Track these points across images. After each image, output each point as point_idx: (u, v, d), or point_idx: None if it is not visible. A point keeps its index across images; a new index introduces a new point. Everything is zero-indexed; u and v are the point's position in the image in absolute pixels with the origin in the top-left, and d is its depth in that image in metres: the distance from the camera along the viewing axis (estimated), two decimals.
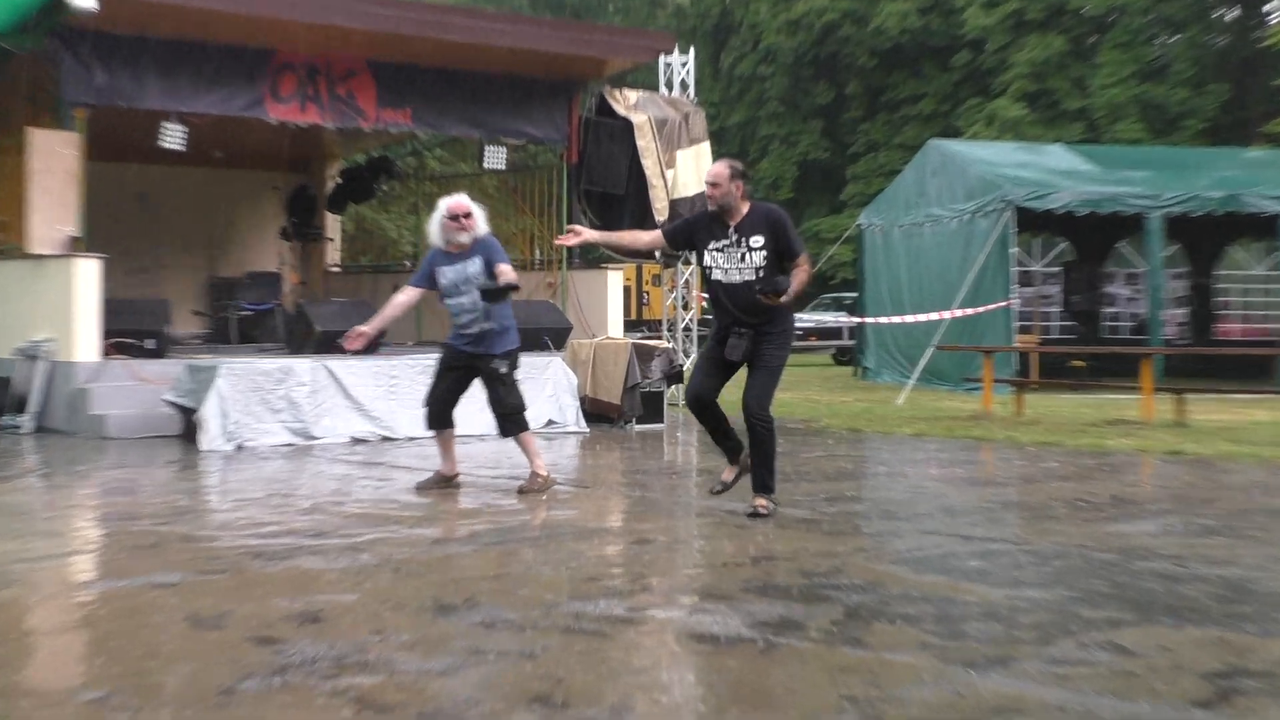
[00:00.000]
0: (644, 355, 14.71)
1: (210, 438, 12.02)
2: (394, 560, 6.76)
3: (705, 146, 17.60)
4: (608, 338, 15.81)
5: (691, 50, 18.71)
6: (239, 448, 12.04)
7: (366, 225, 26.72)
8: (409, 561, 6.71)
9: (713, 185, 7.98)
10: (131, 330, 14.05)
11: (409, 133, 17.77)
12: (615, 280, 17.27)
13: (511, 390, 9.30)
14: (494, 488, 9.74)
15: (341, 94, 15.69)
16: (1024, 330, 22.99)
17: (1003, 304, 19.58)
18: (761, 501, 8.09)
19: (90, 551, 7.13)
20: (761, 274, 7.84)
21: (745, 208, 8.00)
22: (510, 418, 9.34)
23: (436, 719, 4.20)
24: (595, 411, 14.61)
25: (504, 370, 9.23)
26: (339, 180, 20.66)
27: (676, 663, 4.93)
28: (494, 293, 8.92)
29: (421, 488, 9.43)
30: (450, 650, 4.98)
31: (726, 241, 7.94)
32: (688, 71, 18.33)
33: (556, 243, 8.59)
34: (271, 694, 4.44)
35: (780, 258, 7.88)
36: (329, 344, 13.87)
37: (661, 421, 14.76)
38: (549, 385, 14.15)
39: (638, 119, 16.94)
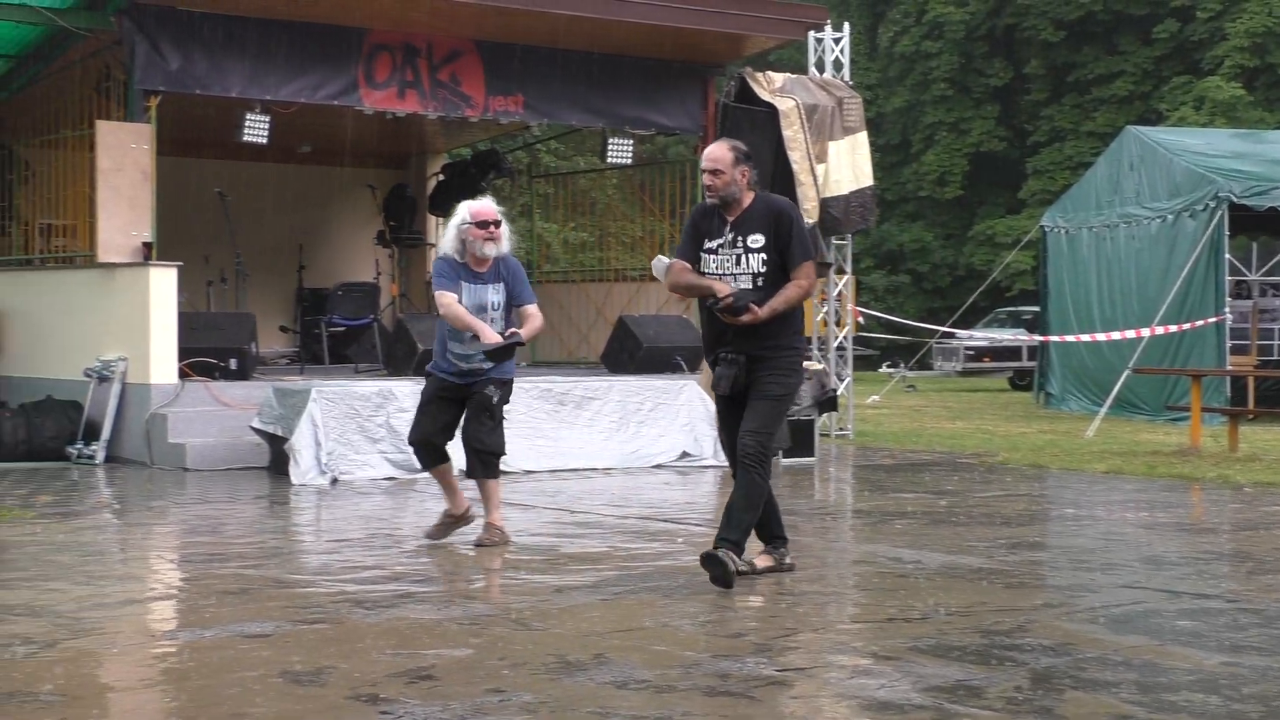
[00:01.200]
0: None
1: (302, 470, 12.30)
2: (512, 610, 6.89)
3: (862, 137, 17.60)
4: None
5: (846, 26, 18.74)
6: (334, 481, 12.31)
7: None
8: (529, 612, 6.83)
9: (712, 173, 7.49)
10: (211, 349, 14.43)
11: (521, 123, 18.02)
12: None
13: (496, 428, 8.89)
14: (621, 529, 9.85)
15: (444, 79, 15.98)
16: (1238, 350, 22.58)
17: (1213, 319, 19.27)
18: (762, 560, 7.83)
19: (171, 598, 7.35)
20: (761, 282, 7.39)
21: (748, 200, 7.55)
22: (484, 457, 8.93)
23: None
24: None
25: (495, 399, 8.81)
26: (441, 178, 20.97)
27: None
28: (500, 352, 8.56)
29: (432, 535, 9.16)
30: (578, 714, 5.07)
31: (722, 240, 7.51)
32: (841, 50, 18.36)
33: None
34: None
35: (784, 265, 7.43)
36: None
37: (812, 455, 14.78)
38: (683, 413, 14.25)
39: (784, 105, 16.99)
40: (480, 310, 8.64)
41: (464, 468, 9.25)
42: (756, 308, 7.27)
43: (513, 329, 8.76)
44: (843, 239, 18.03)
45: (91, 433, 14.04)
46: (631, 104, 17.03)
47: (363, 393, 12.92)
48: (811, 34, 18.14)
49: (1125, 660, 5.88)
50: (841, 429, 17.60)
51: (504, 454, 9.04)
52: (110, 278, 14.22)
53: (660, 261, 8.19)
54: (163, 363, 13.89)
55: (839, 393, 16.60)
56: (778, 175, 16.99)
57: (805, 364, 15.51)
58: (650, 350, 15.95)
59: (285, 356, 18.94)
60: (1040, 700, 5.24)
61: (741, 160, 7.49)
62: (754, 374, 7.42)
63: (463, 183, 20.40)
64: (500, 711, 5.09)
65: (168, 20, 14.35)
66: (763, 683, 5.52)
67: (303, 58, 15.17)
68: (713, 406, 14.40)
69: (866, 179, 17.59)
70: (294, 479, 12.23)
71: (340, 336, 17.70)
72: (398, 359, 15.13)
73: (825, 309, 18.40)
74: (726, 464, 13.91)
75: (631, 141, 17.50)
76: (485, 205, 8.87)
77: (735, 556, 7.39)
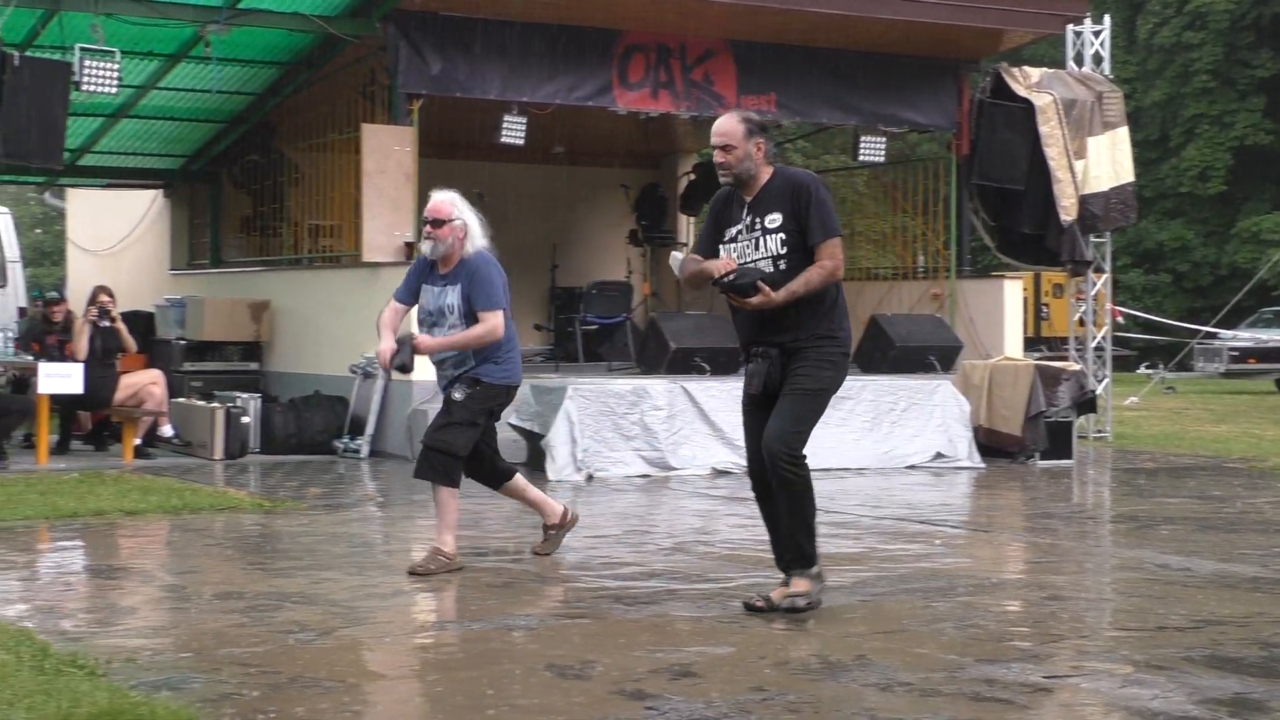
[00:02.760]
0: (1049, 379, 14.45)
1: (559, 466, 12.49)
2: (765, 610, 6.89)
3: (1122, 132, 17.18)
4: (1005, 358, 15.61)
5: (1106, 18, 18.30)
6: (589, 478, 12.48)
7: None
8: (789, 612, 6.83)
9: (722, 149, 6.71)
10: None
11: (773, 121, 18.01)
12: (1013, 291, 17.06)
13: (451, 425, 7.90)
14: (877, 530, 9.79)
15: (697, 78, 16.06)
16: None
17: None
18: (800, 585, 6.70)
19: (437, 589, 7.53)
20: (783, 265, 6.59)
21: (766, 175, 6.76)
22: (431, 455, 7.90)
23: None
24: (991, 444, 14.45)
25: (457, 396, 7.90)
26: (692, 177, 21.08)
27: None
28: (401, 367, 7.93)
29: (540, 551, 8.41)
30: (842, 715, 5.06)
31: (739, 226, 6.76)
32: (1101, 43, 17.93)
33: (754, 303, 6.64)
34: None
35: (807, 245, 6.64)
36: (686, 363, 14.22)
37: (1070, 457, 14.47)
38: (937, 413, 14.08)
39: (1041, 100, 16.67)
40: (440, 314, 7.92)
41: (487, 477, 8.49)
42: (767, 288, 6.49)
43: (410, 333, 7.98)
44: (1101, 237, 17.59)
45: (356, 427, 14.47)
46: (884, 101, 16.89)
47: (617, 390, 13.07)
48: (1070, 27, 17.74)
49: None
50: (1100, 431, 17.18)
51: (456, 456, 7.89)
52: (375, 277, 14.62)
53: (676, 258, 7.48)
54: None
55: (1097, 394, 16.21)
56: (1033, 172, 16.69)
57: (1063, 364, 15.25)
58: (903, 349, 15.80)
59: (539, 354, 19.24)
60: None
61: (755, 132, 6.71)
62: (788, 368, 6.63)
63: (714, 182, 20.40)
64: (764, 710, 5.10)
65: (430, 25, 14.70)
66: (1029, 689, 5.43)
67: (559, 60, 15.39)
68: (967, 406, 14.24)
69: (1127, 175, 17.16)
70: (550, 475, 12.41)
71: (594, 334, 17.92)
72: (650, 357, 15.26)
73: (1083, 308, 17.99)
74: (980, 465, 13.90)
75: (884, 139, 17.35)
76: (434, 200, 8.07)
77: (809, 583, 6.69)
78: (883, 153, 17.47)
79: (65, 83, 13.18)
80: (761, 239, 6.66)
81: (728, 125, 6.72)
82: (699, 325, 15.25)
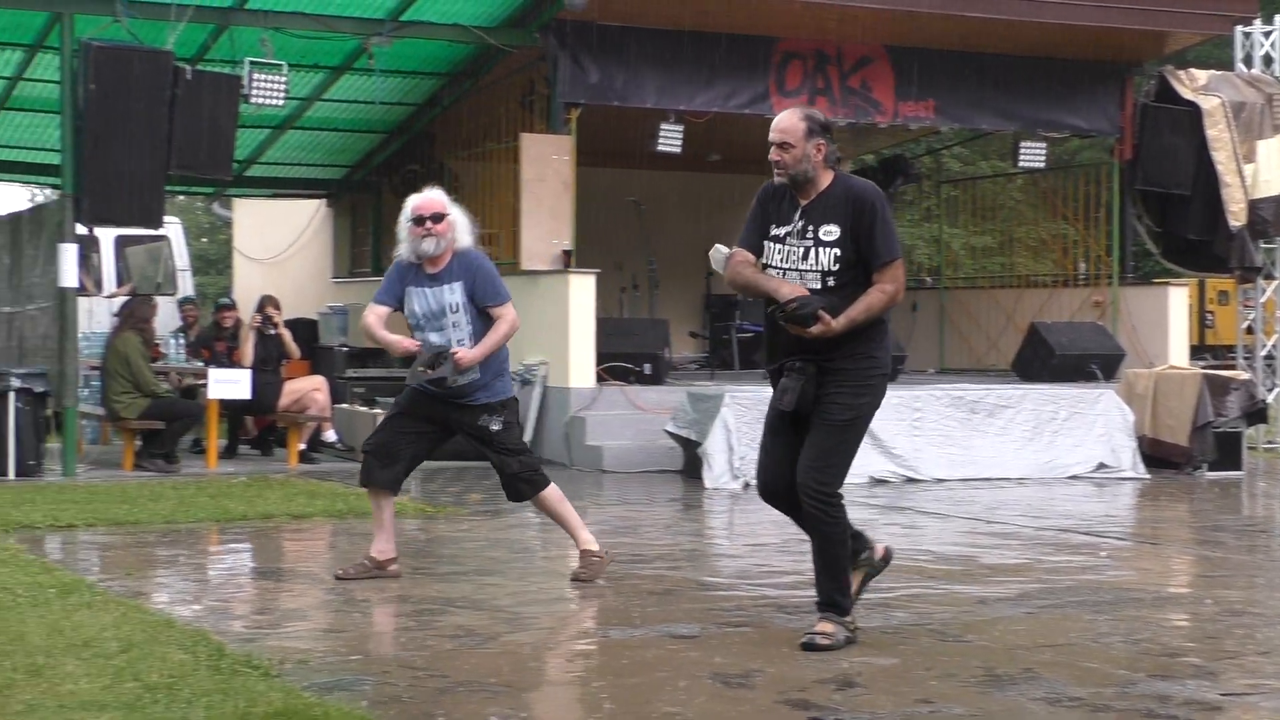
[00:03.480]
0: (1217, 388, 14.14)
1: (715, 474, 12.49)
2: (934, 620, 6.83)
3: None
4: (1171, 367, 15.31)
5: (1277, 19, 17.88)
6: (746, 486, 12.44)
7: None
8: (952, 623, 6.76)
9: (780, 146, 6.23)
10: (627, 354, 14.80)
11: (930, 128, 17.89)
12: (1179, 298, 16.74)
13: (516, 450, 7.81)
14: (1040, 541, 9.65)
15: (855, 85, 16.00)
16: None
17: None
18: (826, 627, 6.22)
19: (599, 595, 7.56)
20: (832, 282, 6.11)
21: (825, 181, 6.26)
22: (523, 478, 7.79)
23: None
24: (1156, 454, 14.17)
25: (495, 428, 7.72)
26: None
27: None
28: (436, 377, 7.50)
29: (343, 577, 7.78)
30: None
31: (790, 228, 6.24)
32: (1271, 44, 17.54)
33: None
34: None
35: (863, 263, 6.16)
36: None
37: (1239, 468, 14.14)
38: (1099, 423, 13.85)
39: (1208, 104, 16.35)
40: (439, 315, 7.66)
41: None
42: (829, 317, 6.01)
43: (444, 347, 7.60)
44: (1271, 242, 17.19)
45: None
46: (1045, 106, 16.68)
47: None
48: (1239, 28, 17.38)
49: None
50: (1270, 442, 16.79)
51: (539, 465, 7.96)
52: (533, 284, 14.75)
53: (719, 251, 7.04)
54: (581, 367, 14.33)
55: (1268, 403, 15.83)
56: (1200, 176, 16.38)
57: (1231, 373, 14.91)
58: (1064, 358, 15.57)
59: (695, 362, 19.27)
60: None
61: (817, 132, 6.22)
62: (822, 389, 6.16)
63: None
64: None
65: (589, 35, 14.81)
66: (1206, 708, 5.31)
67: (716, 68, 15.43)
68: (1131, 415, 13.98)
69: None
70: (707, 483, 12.41)
71: (749, 342, 17.91)
72: None
73: (1251, 315, 17.59)
74: (1144, 476, 13.63)
75: (1044, 145, 17.13)
76: (426, 198, 7.79)
77: (836, 626, 6.23)
78: (1043, 158, 17.25)
79: (234, 95, 13.49)
80: (814, 250, 6.15)
81: (788, 122, 6.25)
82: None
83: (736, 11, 15.00)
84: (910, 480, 13.08)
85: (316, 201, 20.45)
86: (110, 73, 12.66)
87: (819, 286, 6.09)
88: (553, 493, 7.85)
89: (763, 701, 5.37)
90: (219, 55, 14.65)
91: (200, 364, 14.45)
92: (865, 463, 13.03)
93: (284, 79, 13.93)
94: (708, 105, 15.52)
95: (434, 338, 7.66)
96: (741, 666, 5.87)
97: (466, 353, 7.58)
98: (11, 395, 12.54)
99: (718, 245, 7.76)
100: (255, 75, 13.75)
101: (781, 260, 6.20)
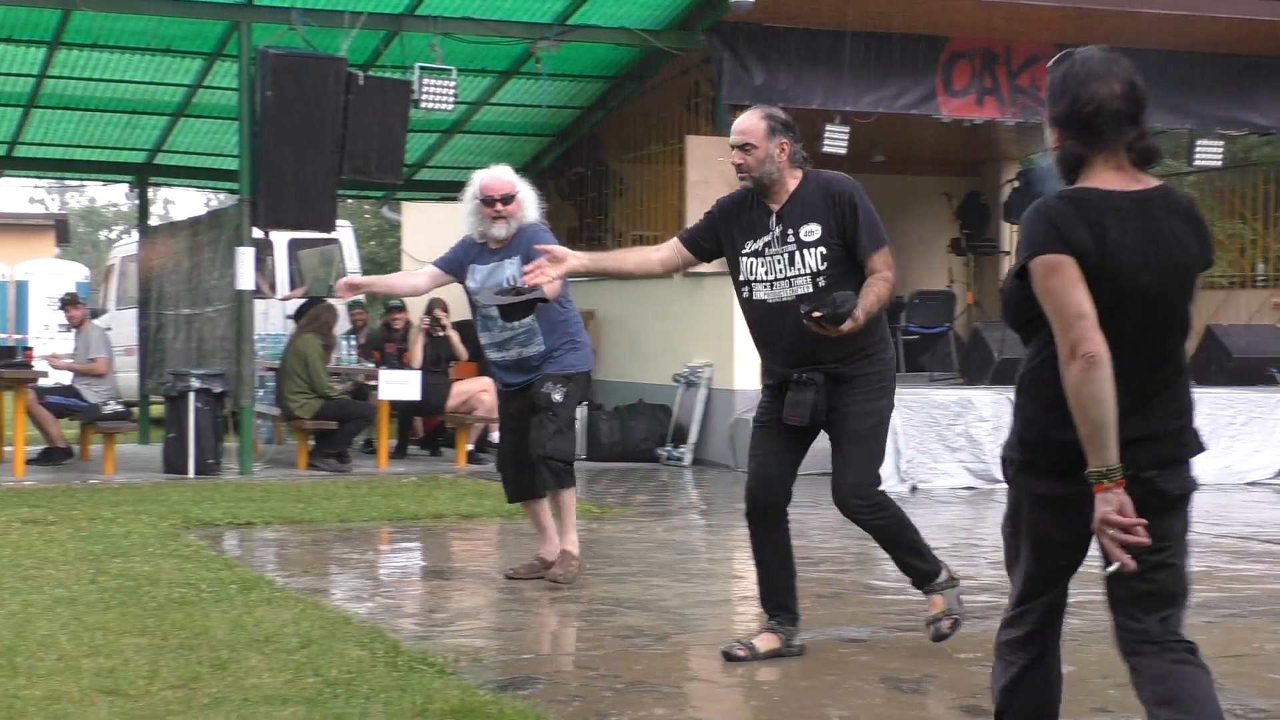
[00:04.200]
0: None
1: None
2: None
3: None
4: None
5: None
6: (913, 489, 12.37)
7: None
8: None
9: (741, 148, 5.95)
10: None
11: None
12: None
13: (561, 431, 7.55)
14: (1218, 549, 9.44)
15: (1024, 84, 15.77)
16: None
17: None
18: (936, 602, 6.15)
19: None
20: (823, 282, 5.82)
21: (794, 182, 5.99)
22: (550, 464, 7.56)
23: None
24: None
25: (556, 397, 7.50)
26: (1016, 185, 20.69)
27: None
28: (512, 309, 6.93)
29: (513, 576, 7.88)
30: None
31: (768, 238, 5.95)
32: None
33: (527, 281, 6.08)
34: None
35: (851, 256, 5.90)
36: (1010, 374, 13.93)
37: None
38: (1279, 428, 13.52)
39: None
40: (499, 289, 7.30)
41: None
42: (860, 312, 5.65)
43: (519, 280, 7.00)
44: None
45: (679, 436, 14.64)
46: (1223, 103, 16.29)
47: (941, 401, 12.92)
48: None
49: None
50: None
51: (574, 458, 7.74)
52: (698, 286, 14.77)
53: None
54: (746, 369, 14.30)
55: None
56: None
57: None
58: (1241, 361, 15.20)
59: None
60: None
61: (779, 131, 5.93)
62: (836, 400, 5.90)
63: (1037, 190, 20.04)
64: None
65: (753, 36, 14.79)
66: None
67: (881, 68, 15.30)
68: None
69: None
70: None
71: (915, 344, 17.76)
72: (973, 367, 15.03)
73: None
74: None
75: (1221, 143, 16.73)
76: (495, 176, 7.62)
77: (942, 598, 6.16)
78: (1220, 156, 16.84)
79: (405, 100, 13.71)
80: (798, 254, 5.87)
81: (748, 123, 5.97)
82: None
83: (904, 11, 14.87)
84: None
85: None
86: (286, 80, 12.94)
87: (810, 289, 5.85)
88: (571, 495, 7.72)
89: (936, 708, 5.33)
90: (390, 61, 14.89)
91: (371, 365, 14.70)
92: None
93: (453, 84, 14.12)
94: (874, 106, 15.39)
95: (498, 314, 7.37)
96: (913, 672, 5.84)
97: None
98: (191, 396, 12.88)
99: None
100: (425, 80, 13.96)
101: (766, 273, 5.93)
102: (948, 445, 12.76)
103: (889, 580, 8.14)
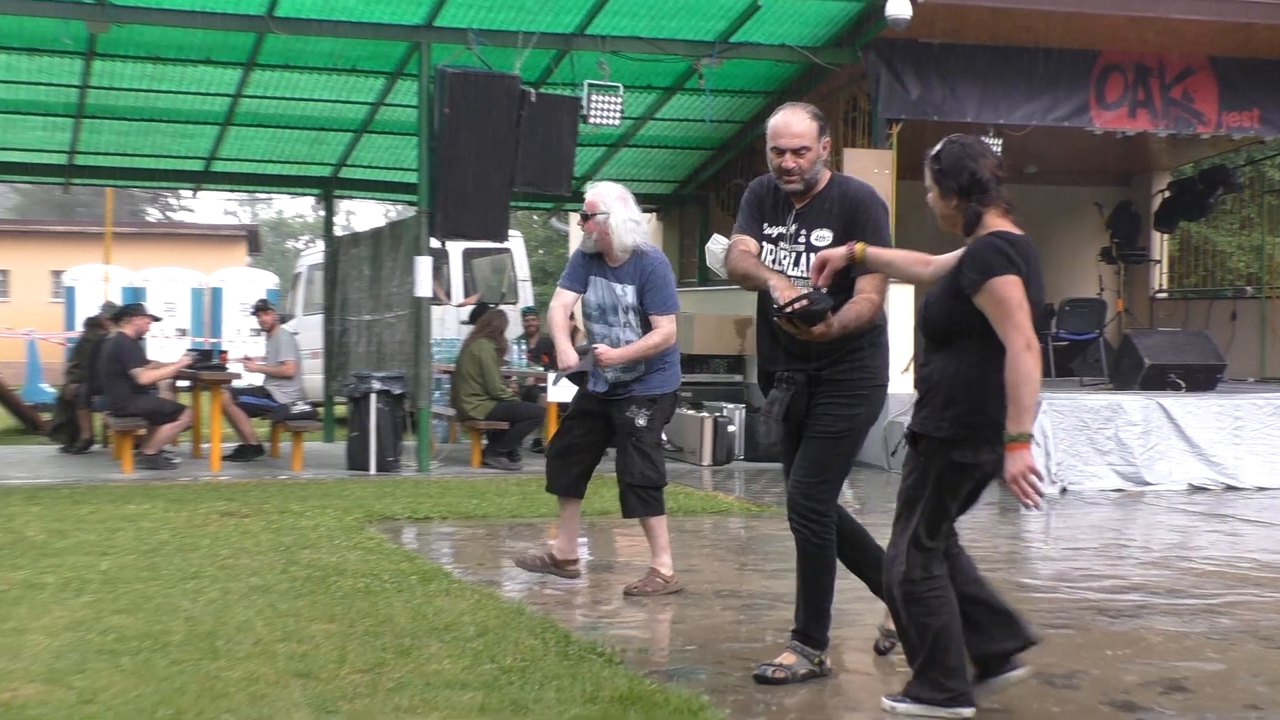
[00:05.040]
0: None
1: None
2: (1261, 628, 6.59)
3: None
4: None
5: None
6: (1063, 490, 12.20)
7: (1193, 244, 26.10)
8: (1278, 631, 6.51)
9: (795, 152, 5.59)
10: None
11: (1254, 138, 17.15)
12: None
13: (649, 455, 7.42)
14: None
15: (1176, 96, 15.48)
16: None
17: None
18: (787, 658, 5.58)
19: None
20: (823, 288, 5.39)
21: (823, 181, 5.68)
22: (638, 492, 7.43)
23: None
24: None
25: (640, 422, 7.37)
26: (1167, 194, 20.31)
27: None
28: (574, 377, 7.22)
29: (523, 564, 7.77)
30: None
31: (784, 230, 5.69)
32: None
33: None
34: None
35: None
36: (1161, 379, 13.72)
37: None
38: None
39: None
40: (611, 310, 7.36)
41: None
42: (833, 319, 5.30)
43: (592, 344, 7.38)
44: None
45: None
46: None
47: (1092, 405, 12.74)
48: None
49: None
50: None
51: (664, 483, 7.51)
52: None
53: (718, 242, 6.24)
54: (898, 371, 14.21)
55: None
56: None
57: None
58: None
59: None
60: None
61: (825, 129, 5.67)
62: (813, 400, 5.57)
63: (1190, 199, 19.69)
64: None
65: (909, 52, 14.71)
66: None
67: (1034, 82, 15.11)
68: None
69: None
70: None
71: (1065, 350, 17.52)
72: (1123, 373, 14.77)
73: None
74: None
75: None
76: (592, 191, 7.49)
77: (798, 659, 5.58)
78: None
79: (574, 116, 13.88)
80: (805, 255, 5.59)
81: (802, 124, 5.60)
82: (1174, 342, 14.67)
83: (1057, 26, 14.70)
84: (1230, 488, 12.60)
85: (648, 215, 20.82)
86: (463, 97, 13.16)
87: (810, 290, 5.43)
88: (661, 522, 7.51)
89: (1088, 702, 5.28)
90: (560, 79, 15.08)
91: (540, 369, 14.86)
92: (1184, 470, 12.66)
93: (620, 100, 14.24)
94: (1027, 119, 15.21)
95: (597, 329, 7.41)
96: (1065, 667, 5.79)
97: (607, 351, 7.30)
98: (372, 397, 13.16)
99: (716, 236, 7.43)
100: (594, 97, 14.10)
101: (772, 262, 5.67)
102: (1098, 449, 12.58)
103: (1039, 579, 8.09)
